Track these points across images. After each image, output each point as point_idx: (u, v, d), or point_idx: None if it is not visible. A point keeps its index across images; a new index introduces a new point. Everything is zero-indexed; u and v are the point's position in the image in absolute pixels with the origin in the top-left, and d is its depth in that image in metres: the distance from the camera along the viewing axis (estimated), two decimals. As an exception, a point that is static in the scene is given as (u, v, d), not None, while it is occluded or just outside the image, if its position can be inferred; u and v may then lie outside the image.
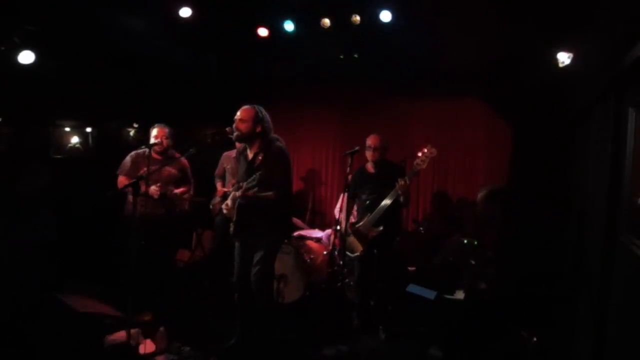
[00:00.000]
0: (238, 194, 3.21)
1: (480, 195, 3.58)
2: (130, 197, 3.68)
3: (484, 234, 4.32)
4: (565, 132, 4.30)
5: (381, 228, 3.88)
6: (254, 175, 3.17)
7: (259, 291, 3.37)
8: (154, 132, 4.11)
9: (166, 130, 4.14)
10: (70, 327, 3.35)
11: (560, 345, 3.41)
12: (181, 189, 4.25)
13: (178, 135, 4.30)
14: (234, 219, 3.37)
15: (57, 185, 4.83)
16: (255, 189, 3.15)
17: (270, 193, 3.19)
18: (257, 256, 3.36)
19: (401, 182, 3.72)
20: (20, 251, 4.25)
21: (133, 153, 4.18)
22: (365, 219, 3.95)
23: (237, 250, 3.50)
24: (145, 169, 3.76)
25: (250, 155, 3.41)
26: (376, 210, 3.88)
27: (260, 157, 3.33)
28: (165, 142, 4.10)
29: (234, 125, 3.34)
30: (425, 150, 3.79)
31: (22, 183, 4.51)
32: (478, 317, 3.58)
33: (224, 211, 3.50)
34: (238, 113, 3.35)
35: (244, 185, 3.22)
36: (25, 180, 4.54)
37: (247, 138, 3.35)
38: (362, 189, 4.07)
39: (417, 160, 3.78)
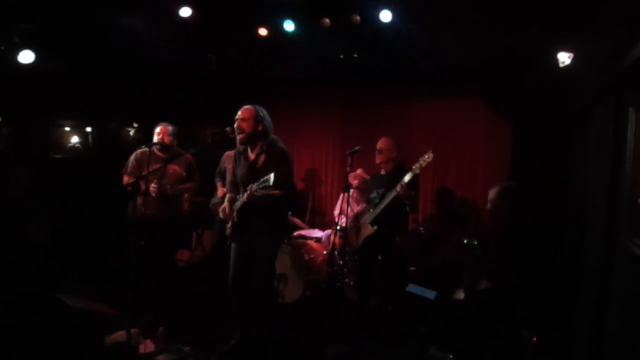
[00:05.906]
0: (245, 196, 3.16)
1: (491, 190, 3.62)
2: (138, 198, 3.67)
3: (486, 232, 4.32)
4: (565, 132, 4.29)
5: (375, 227, 4.00)
6: (267, 177, 2.96)
7: (260, 292, 3.36)
8: (157, 129, 4.12)
9: (169, 128, 4.13)
10: (70, 326, 3.34)
11: (560, 345, 3.41)
12: (186, 185, 4.24)
13: (178, 135, 4.29)
14: (234, 220, 3.35)
15: (56, 184, 4.83)
16: (270, 188, 2.96)
17: (277, 192, 3.17)
18: (258, 257, 3.34)
19: (398, 186, 3.89)
20: (20, 251, 4.25)
21: (138, 152, 4.17)
22: (367, 214, 4.04)
23: (233, 252, 3.47)
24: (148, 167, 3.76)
25: (252, 156, 3.38)
26: (377, 208, 4.02)
27: (262, 158, 3.30)
28: (167, 139, 4.09)
29: (235, 126, 3.32)
30: (425, 156, 3.87)
31: (8, 184, 4.47)
32: (478, 317, 3.58)
33: (221, 215, 3.47)
34: (239, 113, 3.33)
35: (254, 186, 3.07)
36: (11, 181, 4.50)
37: (250, 138, 3.31)
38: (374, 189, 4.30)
39: (414, 165, 3.87)
